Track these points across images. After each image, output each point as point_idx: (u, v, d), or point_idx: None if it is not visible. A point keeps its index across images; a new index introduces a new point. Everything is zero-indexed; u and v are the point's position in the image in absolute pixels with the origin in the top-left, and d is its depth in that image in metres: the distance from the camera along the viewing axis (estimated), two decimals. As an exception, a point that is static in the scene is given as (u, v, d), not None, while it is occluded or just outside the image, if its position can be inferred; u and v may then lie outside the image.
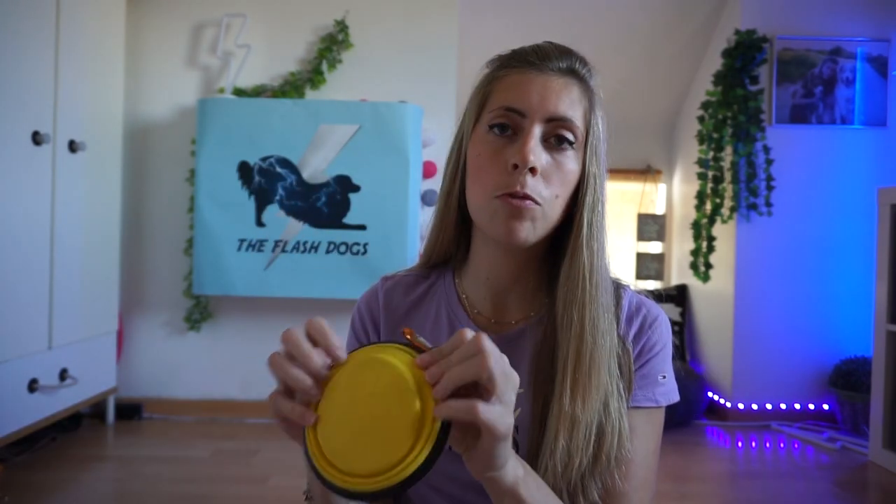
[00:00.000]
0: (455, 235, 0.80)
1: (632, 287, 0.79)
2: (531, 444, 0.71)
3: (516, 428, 0.73)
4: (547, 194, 0.69)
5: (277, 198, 2.88)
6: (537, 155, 0.68)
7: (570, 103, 0.70)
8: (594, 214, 0.72)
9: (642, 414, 0.72)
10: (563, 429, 0.67)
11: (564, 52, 0.73)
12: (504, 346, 0.76)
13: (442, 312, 0.81)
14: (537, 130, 0.69)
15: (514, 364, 0.75)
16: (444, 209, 0.79)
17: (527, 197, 0.68)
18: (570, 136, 0.70)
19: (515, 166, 0.68)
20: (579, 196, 0.72)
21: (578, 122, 0.71)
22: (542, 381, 0.72)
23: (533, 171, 0.68)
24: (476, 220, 0.74)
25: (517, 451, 0.73)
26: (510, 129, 0.70)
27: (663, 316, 0.77)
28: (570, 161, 0.71)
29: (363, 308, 0.85)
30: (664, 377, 0.75)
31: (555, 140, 0.70)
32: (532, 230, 0.70)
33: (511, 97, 0.70)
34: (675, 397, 0.75)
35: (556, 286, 0.74)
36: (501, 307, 0.78)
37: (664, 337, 0.76)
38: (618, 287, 0.77)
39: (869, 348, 3.03)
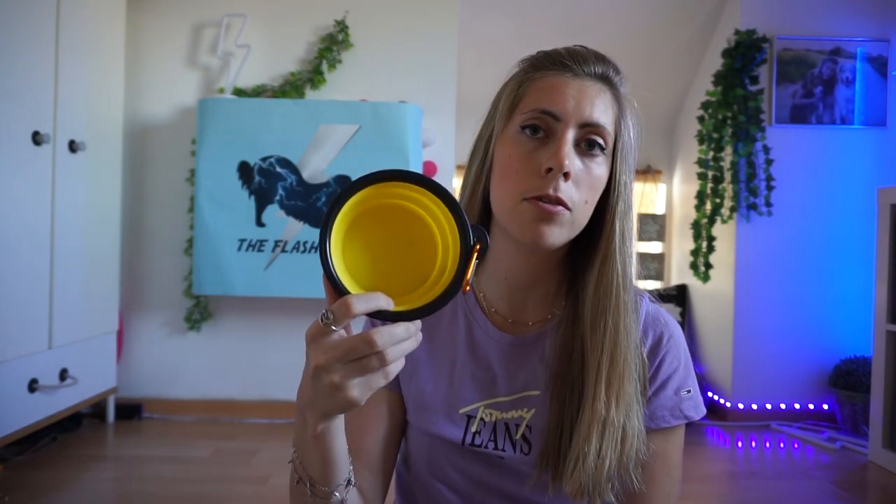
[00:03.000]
0: None
1: (648, 295, 0.79)
2: (550, 446, 0.71)
3: (529, 427, 0.74)
4: (577, 199, 0.69)
5: (277, 198, 2.88)
6: (572, 160, 0.68)
7: (603, 109, 0.70)
8: (626, 221, 0.73)
9: (660, 438, 0.74)
10: (596, 432, 0.68)
11: (600, 58, 0.73)
12: (521, 350, 0.77)
13: (458, 310, 0.81)
14: (571, 135, 0.69)
15: (531, 365, 0.76)
16: (468, 208, 0.78)
17: (559, 201, 0.68)
18: (601, 142, 0.70)
19: (549, 170, 0.68)
20: (609, 203, 0.72)
21: (609, 128, 0.71)
22: (561, 384, 0.73)
23: (567, 175, 0.68)
24: (501, 222, 0.73)
25: (528, 451, 0.74)
26: (543, 131, 0.70)
27: (678, 331, 0.78)
28: (600, 167, 0.71)
29: None
30: (689, 391, 0.76)
31: (586, 145, 0.70)
32: (560, 234, 0.70)
33: (546, 100, 0.70)
34: (702, 409, 0.77)
35: (579, 289, 0.74)
36: (519, 307, 0.79)
37: (681, 353, 0.77)
38: (635, 294, 0.77)
39: (869, 348, 3.03)
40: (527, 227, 0.69)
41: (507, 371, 0.77)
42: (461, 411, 0.77)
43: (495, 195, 0.73)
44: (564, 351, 0.73)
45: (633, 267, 0.73)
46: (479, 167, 0.76)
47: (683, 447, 0.78)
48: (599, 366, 0.69)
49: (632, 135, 0.74)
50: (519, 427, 0.75)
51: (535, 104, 0.70)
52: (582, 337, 0.72)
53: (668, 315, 0.79)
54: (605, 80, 0.72)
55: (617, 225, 0.72)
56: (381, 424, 0.79)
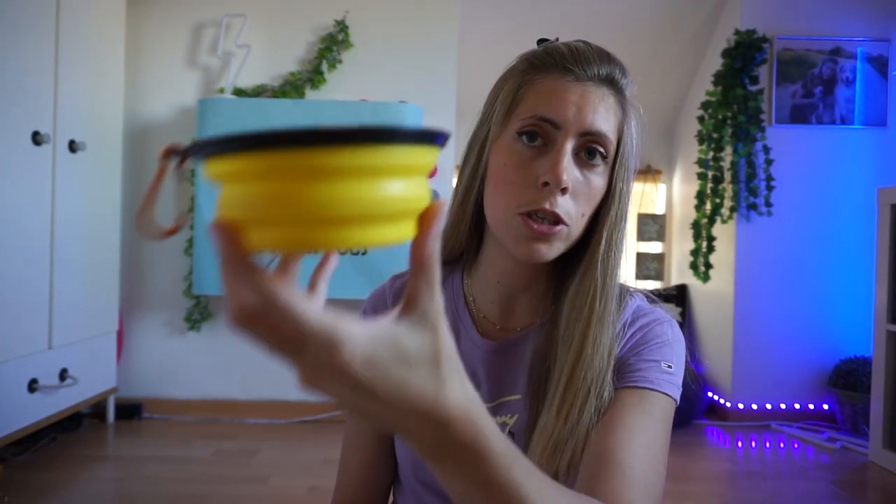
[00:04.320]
0: (468, 236, 0.77)
1: (642, 295, 0.75)
2: (530, 452, 0.69)
3: (512, 434, 0.72)
4: (574, 212, 0.66)
5: (277, 198, 2.87)
6: (570, 173, 0.65)
7: (605, 116, 0.67)
8: (615, 231, 0.69)
9: (636, 395, 0.65)
10: (543, 442, 0.65)
11: (604, 58, 0.68)
12: (506, 352, 0.74)
13: (448, 317, 0.79)
14: (570, 145, 0.65)
15: (514, 369, 0.74)
16: (459, 212, 0.75)
17: (555, 216, 0.65)
18: (602, 151, 0.67)
19: (546, 184, 0.64)
20: (602, 211, 0.69)
21: (611, 135, 0.67)
22: (536, 389, 0.70)
23: (564, 190, 0.65)
24: (495, 232, 0.70)
25: None
26: (540, 138, 0.66)
27: (672, 322, 0.74)
28: (599, 177, 0.68)
29: (369, 310, 0.82)
30: (670, 366, 0.68)
31: (586, 154, 0.67)
32: (554, 250, 0.67)
33: (545, 106, 0.66)
34: (676, 393, 0.68)
35: (563, 294, 0.71)
36: (509, 312, 0.76)
37: (669, 335, 0.71)
38: (625, 293, 0.73)
39: (869, 348, 3.03)
40: (520, 244, 0.66)
41: (491, 377, 0.75)
42: None
43: (489, 204, 0.70)
44: (539, 355, 0.71)
45: (616, 278, 0.69)
46: (473, 171, 0.73)
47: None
48: (560, 377, 0.66)
49: (634, 140, 0.70)
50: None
51: (533, 110, 0.66)
52: (556, 345, 0.69)
53: (663, 312, 0.75)
54: (610, 82, 0.68)
55: (604, 234, 0.68)
56: (364, 440, 0.79)
